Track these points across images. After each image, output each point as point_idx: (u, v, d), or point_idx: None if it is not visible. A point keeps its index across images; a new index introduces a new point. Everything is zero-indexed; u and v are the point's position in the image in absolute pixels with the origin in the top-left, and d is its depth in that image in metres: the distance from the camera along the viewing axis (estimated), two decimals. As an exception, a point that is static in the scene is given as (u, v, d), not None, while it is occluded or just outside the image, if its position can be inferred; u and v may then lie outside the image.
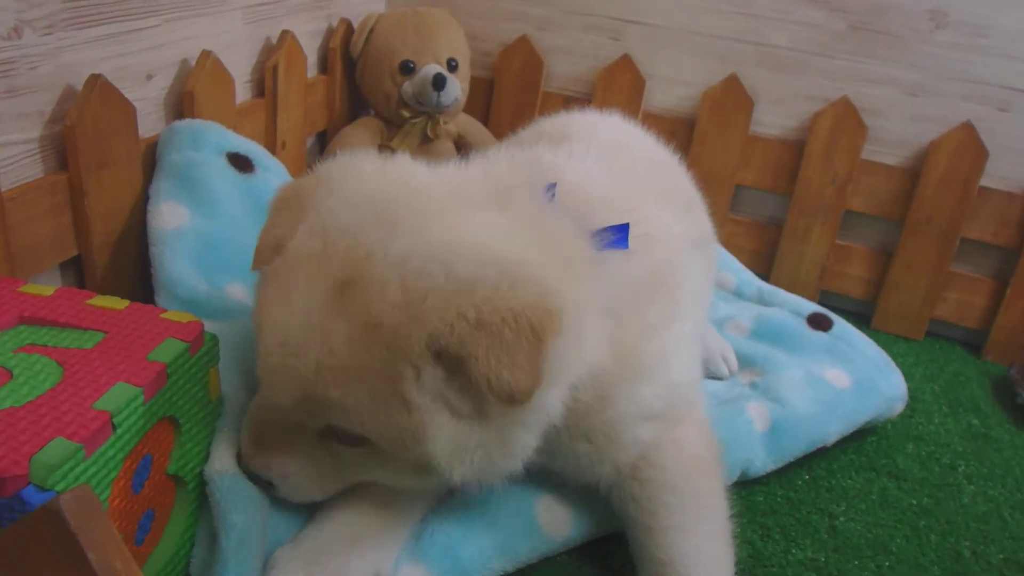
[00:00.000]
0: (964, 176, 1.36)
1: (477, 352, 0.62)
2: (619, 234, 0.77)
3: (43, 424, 0.59)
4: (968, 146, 1.35)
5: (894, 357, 1.38)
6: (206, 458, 0.77)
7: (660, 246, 0.83)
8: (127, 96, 0.96)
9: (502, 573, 0.83)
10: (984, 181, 1.37)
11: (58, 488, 0.57)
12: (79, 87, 0.91)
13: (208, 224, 1.01)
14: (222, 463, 0.76)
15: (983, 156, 1.34)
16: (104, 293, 0.95)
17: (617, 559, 0.88)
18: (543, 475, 0.85)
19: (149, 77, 1.02)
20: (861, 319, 1.50)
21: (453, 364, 0.64)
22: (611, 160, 0.91)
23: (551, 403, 0.71)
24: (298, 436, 0.73)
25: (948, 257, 1.42)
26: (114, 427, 0.62)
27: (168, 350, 0.70)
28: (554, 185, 0.78)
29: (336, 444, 0.72)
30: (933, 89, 1.36)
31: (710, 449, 0.87)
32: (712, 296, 1.08)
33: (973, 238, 1.41)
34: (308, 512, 0.79)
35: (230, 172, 1.06)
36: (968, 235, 1.40)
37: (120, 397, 0.64)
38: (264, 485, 0.75)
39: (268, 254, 0.72)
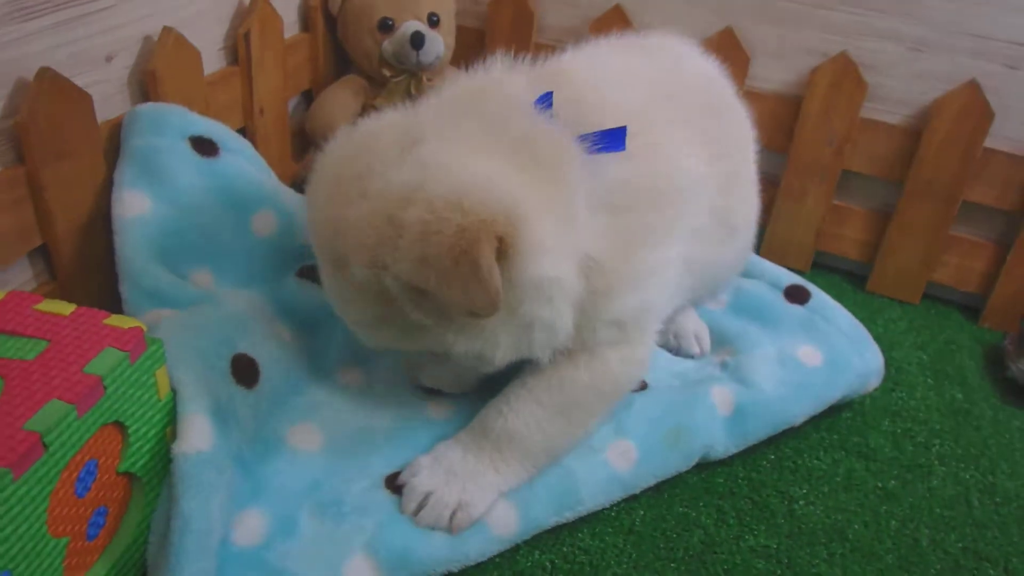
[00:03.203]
0: (968, 137, 1.30)
1: (430, 284, 0.73)
2: (614, 137, 0.84)
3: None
4: (973, 106, 1.28)
5: (887, 322, 1.37)
6: (158, 452, 0.81)
7: (663, 157, 0.90)
8: (86, 80, 0.95)
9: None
10: (989, 142, 1.30)
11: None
12: (32, 79, 0.90)
13: (170, 211, 1.01)
14: (185, 444, 0.80)
15: (988, 117, 1.27)
16: (72, 279, 0.99)
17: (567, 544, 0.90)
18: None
19: (109, 59, 1.00)
20: (857, 281, 1.47)
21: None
22: (650, 80, 0.98)
23: (554, 277, 0.79)
24: (419, 355, 0.94)
25: (948, 220, 1.36)
26: (45, 447, 0.65)
27: (106, 360, 0.72)
28: (550, 94, 0.86)
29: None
30: (938, 44, 1.29)
31: (625, 379, 0.94)
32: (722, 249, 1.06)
33: (975, 201, 1.35)
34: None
35: (194, 157, 1.04)
36: (970, 198, 1.35)
37: (52, 415, 0.66)
38: (429, 392, 0.99)
39: None
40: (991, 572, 0.92)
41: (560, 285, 0.80)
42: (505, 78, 0.88)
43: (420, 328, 0.80)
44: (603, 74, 0.94)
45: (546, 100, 0.85)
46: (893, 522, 0.97)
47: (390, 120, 0.86)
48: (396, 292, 0.77)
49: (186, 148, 1.04)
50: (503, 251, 0.74)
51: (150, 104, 1.04)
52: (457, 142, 0.80)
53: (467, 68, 0.91)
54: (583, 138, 0.83)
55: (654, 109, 0.93)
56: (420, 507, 0.85)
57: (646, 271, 0.88)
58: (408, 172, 0.77)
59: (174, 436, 0.81)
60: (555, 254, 0.79)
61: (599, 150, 0.83)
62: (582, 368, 0.90)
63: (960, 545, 0.95)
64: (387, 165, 0.79)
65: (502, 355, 0.83)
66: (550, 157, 0.80)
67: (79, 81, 0.94)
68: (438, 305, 0.77)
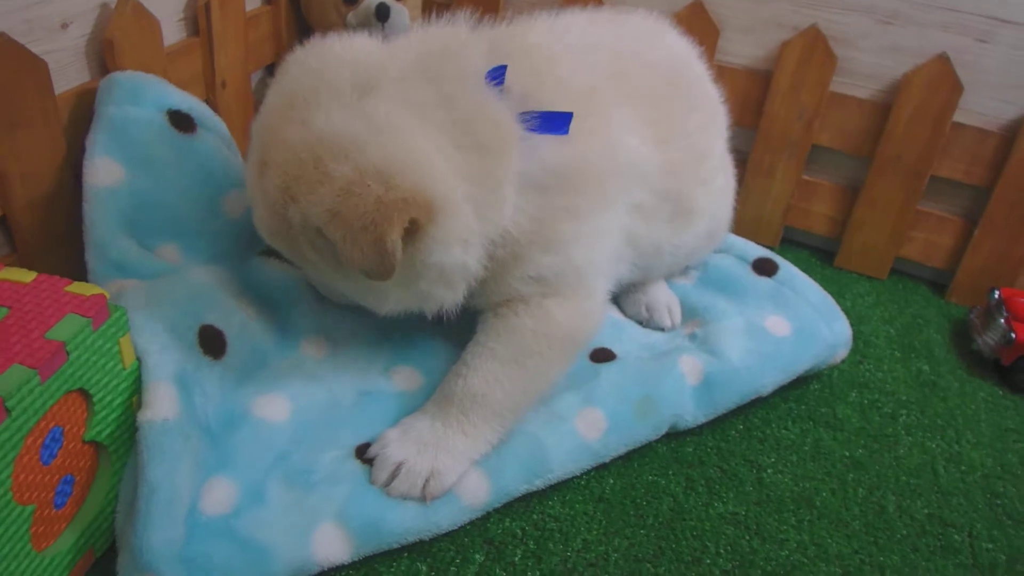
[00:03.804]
0: (937, 112, 1.31)
1: (335, 237, 0.76)
2: (558, 120, 0.85)
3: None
4: (943, 80, 1.28)
5: (855, 297, 1.37)
6: (124, 422, 0.80)
7: (603, 138, 0.91)
8: (41, 48, 0.92)
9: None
10: (958, 117, 1.31)
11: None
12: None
13: (143, 184, 0.98)
14: (151, 412, 0.79)
15: (958, 91, 1.28)
16: (33, 251, 0.96)
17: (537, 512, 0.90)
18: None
19: (64, 26, 0.97)
20: (825, 256, 1.48)
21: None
22: (610, 57, 0.98)
23: (460, 264, 0.82)
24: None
25: (916, 195, 1.37)
26: (7, 411, 0.64)
27: (68, 327, 0.71)
28: (503, 67, 0.86)
29: None
30: (908, 17, 1.29)
31: (573, 329, 0.93)
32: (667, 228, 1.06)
33: (943, 176, 1.36)
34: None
35: (170, 132, 1.01)
36: (938, 173, 1.36)
37: (13, 380, 0.65)
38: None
39: None
40: (956, 537, 0.93)
41: (465, 269, 0.84)
42: (466, 43, 0.87)
43: (310, 258, 0.83)
44: (563, 49, 0.94)
45: (500, 73, 0.85)
46: (860, 490, 0.98)
47: (355, 53, 0.86)
48: (297, 225, 0.79)
49: (163, 121, 1.01)
50: (413, 232, 0.77)
51: (128, 72, 1.01)
52: (409, 107, 0.80)
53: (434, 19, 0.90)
54: (526, 116, 0.84)
55: (605, 88, 0.93)
56: (392, 477, 0.85)
57: (559, 239, 0.89)
58: (353, 123, 0.78)
59: (139, 405, 0.80)
60: (467, 242, 0.81)
61: (540, 130, 0.84)
62: (523, 315, 0.91)
63: (926, 511, 0.96)
64: (336, 103, 0.80)
65: (387, 310, 0.87)
66: (490, 140, 0.81)
67: (34, 49, 0.91)
68: (334, 252, 0.78)
